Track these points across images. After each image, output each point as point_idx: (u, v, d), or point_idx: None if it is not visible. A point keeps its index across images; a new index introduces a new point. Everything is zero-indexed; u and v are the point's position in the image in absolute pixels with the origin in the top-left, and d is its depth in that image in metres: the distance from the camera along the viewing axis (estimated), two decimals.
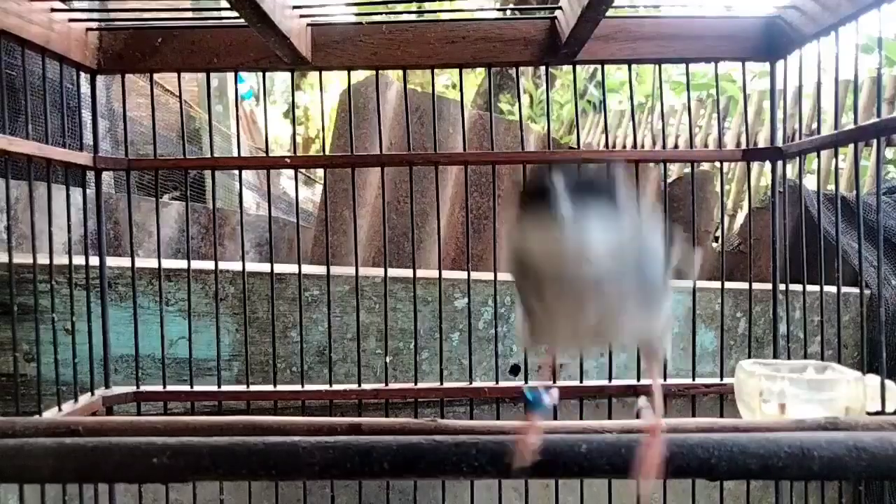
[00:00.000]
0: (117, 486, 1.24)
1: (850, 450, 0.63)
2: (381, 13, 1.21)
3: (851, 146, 1.08)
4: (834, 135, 1.09)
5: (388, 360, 1.29)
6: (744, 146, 1.39)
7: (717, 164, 1.35)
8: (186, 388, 1.27)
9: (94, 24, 1.20)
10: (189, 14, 1.22)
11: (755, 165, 1.37)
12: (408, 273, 1.39)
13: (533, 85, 5.85)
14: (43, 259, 1.10)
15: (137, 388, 1.27)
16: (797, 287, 1.24)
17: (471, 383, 1.29)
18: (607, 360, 1.30)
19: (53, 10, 1.10)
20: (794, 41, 1.17)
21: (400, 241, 2.16)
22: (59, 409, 1.13)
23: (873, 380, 1.01)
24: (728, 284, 1.34)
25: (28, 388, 1.24)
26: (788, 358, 1.31)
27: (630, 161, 1.25)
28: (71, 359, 1.16)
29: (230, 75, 1.26)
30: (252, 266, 1.49)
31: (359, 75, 1.59)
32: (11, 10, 1.02)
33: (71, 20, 1.15)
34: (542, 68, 1.26)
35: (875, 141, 1.10)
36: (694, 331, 1.28)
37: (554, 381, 1.32)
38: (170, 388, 1.27)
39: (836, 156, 1.16)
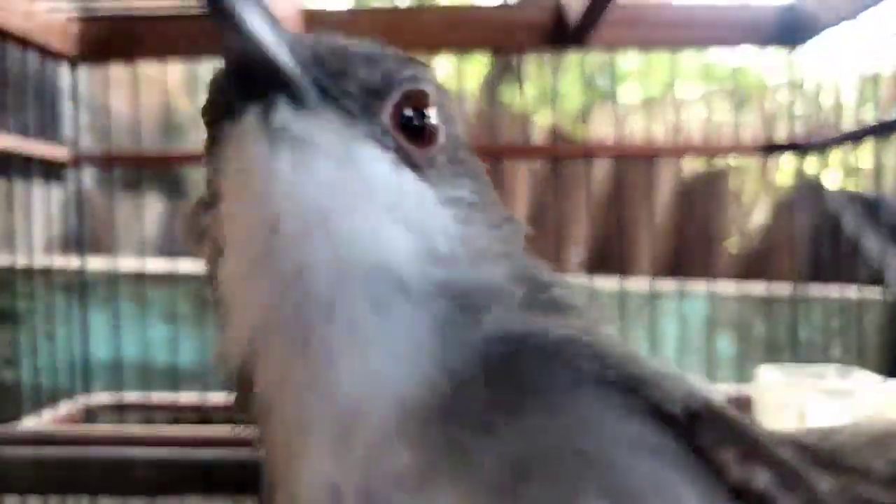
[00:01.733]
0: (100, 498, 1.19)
1: None
2: None
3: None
4: (855, 131, 1.05)
5: None
6: (762, 140, 1.33)
7: (736, 158, 1.30)
8: (170, 395, 1.22)
9: (75, 13, 1.15)
10: (172, 1, 1.16)
11: (774, 161, 1.32)
12: None
13: (541, 72, 5.77)
14: (22, 260, 1.05)
15: (120, 394, 1.22)
16: (818, 290, 1.19)
17: None
18: None
19: None
20: (813, 29, 1.13)
21: None
22: (39, 417, 1.08)
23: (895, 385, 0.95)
24: (746, 287, 1.29)
25: (7, 394, 1.19)
26: (809, 363, 1.27)
27: (644, 155, 1.19)
28: (52, 364, 1.11)
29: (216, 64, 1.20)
30: None
31: None
32: None
33: (51, 9, 1.10)
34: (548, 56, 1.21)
35: None
36: (711, 335, 1.23)
37: None
38: (153, 395, 1.22)
39: (856, 151, 1.11)
